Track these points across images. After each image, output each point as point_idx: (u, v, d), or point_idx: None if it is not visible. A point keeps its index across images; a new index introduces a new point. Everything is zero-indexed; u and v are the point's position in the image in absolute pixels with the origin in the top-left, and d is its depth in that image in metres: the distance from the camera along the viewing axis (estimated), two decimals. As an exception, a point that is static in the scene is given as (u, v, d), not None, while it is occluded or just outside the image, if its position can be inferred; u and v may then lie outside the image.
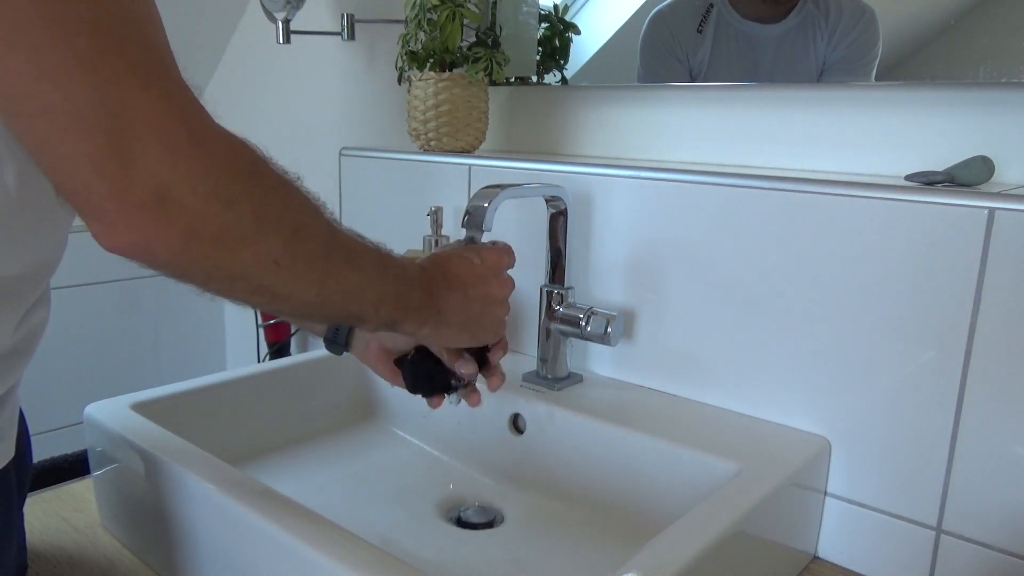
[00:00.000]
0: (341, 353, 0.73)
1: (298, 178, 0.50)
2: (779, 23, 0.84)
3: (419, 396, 0.72)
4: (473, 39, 1.01)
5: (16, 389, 0.57)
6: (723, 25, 0.87)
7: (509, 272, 0.68)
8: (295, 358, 0.95)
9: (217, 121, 0.44)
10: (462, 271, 0.64)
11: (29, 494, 0.65)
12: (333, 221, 0.53)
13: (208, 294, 0.47)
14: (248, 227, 0.44)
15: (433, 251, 0.69)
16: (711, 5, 0.87)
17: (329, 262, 0.50)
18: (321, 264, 0.50)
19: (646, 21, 0.93)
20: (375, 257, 0.56)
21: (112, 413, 0.73)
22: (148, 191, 0.39)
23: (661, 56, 0.92)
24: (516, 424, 0.83)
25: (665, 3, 0.92)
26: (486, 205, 0.71)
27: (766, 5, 0.85)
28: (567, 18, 1.02)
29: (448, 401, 0.72)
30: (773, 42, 0.85)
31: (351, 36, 1.17)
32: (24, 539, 0.66)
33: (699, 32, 0.88)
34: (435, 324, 0.61)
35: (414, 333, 0.62)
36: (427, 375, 0.70)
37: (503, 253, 0.68)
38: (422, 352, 0.69)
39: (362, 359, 0.72)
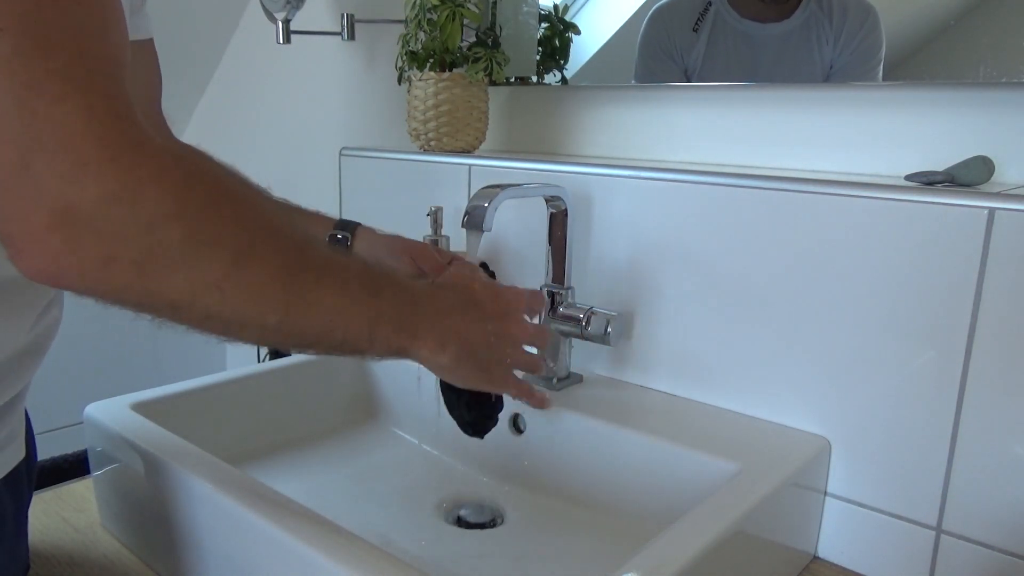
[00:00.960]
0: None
1: (265, 190, 0.47)
2: (780, 23, 0.83)
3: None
4: (473, 39, 1.01)
5: (27, 389, 0.57)
6: (720, 24, 0.87)
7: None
8: (295, 358, 0.95)
9: (178, 134, 0.41)
10: (487, 299, 0.61)
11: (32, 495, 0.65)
12: (304, 238, 0.47)
13: (148, 318, 0.44)
14: (175, 250, 0.39)
15: (459, 267, 0.67)
16: (709, 3, 0.87)
17: (293, 283, 0.45)
18: (281, 287, 0.45)
19: (645, 19, 0.93)
20: (360, 275, 0.51)
21: (112, 413, 0.73)
22: (54, 211, 0.36)
23: (655, 57, 0.92)
24: (516, 424, 0.83)
25: (664, 1, 0.92)
26: (486, 205, 0.71)
27: (766, 5, 0.85)
28: (567, 18, 1.02)
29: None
30: (774, 42, 0.84)
31: (351, 36, 1.17)
32: (28, 539, 0.66)
33: (694, 31, 0.88)
34: (436, 349, 0.55)
35: (429, 361, 0.55)
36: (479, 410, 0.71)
37: (528, 297, 0.65)
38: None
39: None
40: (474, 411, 0.71)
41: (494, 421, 0.72)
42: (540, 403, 0.70)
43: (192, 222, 0.40)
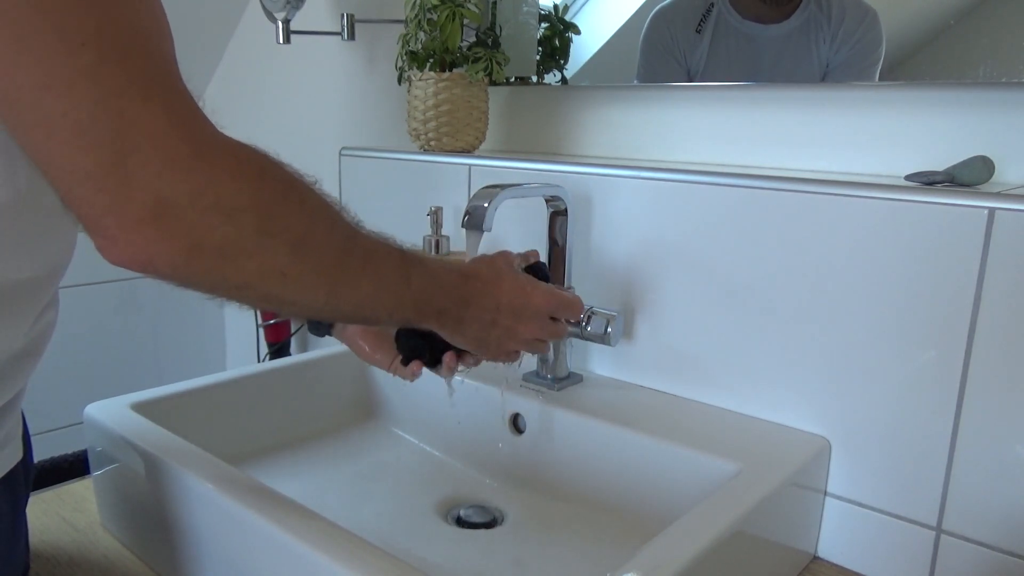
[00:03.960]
0: (323, 335, 0.73)
1: (315, 182, 0.50)
2: (780, 24, 0.84)
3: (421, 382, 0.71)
4: (473, 39, 1.01)
5: (25, 390, 0.58)
6: (722, 25, 0.87)
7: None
8: (295, 358, 0.95)
9: (220, 128, 0.44)
10: (506, 296, 0.64)
11: (30, 494, 0.65)
12: (352, 226, 0.52)
13: (216, 299, 0.47)
14: (251, 238, 0.43)
15: (494, 257, 0.68)
16: (711, 5, 0.87)
17: (340, 271, 0.50)
18: (331, 273, 0.49)
19: (647, 20, 0.93)
20: (398, 263, 0.55)
21: (112, 413, 0.73)
22: (147, 206, 0.39)
23: (660, 55, 0.92)
24: (516, 424, 0.83)
25: (666, 2, 0.92)
26: (486, 205, 0.71)
27: (767, 6, 0.85)
28: (567, 18, 1.02)
29: (448, 388, 0.72)
30: (774, 43, 0.85)
31: (351, 36, 1.17)
32: (28, 538, 0.66)
33: (697, 32, 0.88)
34: (451, 329, 0.61)
35: (425, 328, 0.62)
36: (419, 342, 0.69)
37: (564, 304, 0.67)
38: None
39: (339, 336, 0.72)
40: (413, 340, 0.70)
41: (431, 351, 0.71)
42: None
43: (265, 212, 0.44)
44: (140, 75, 0.39)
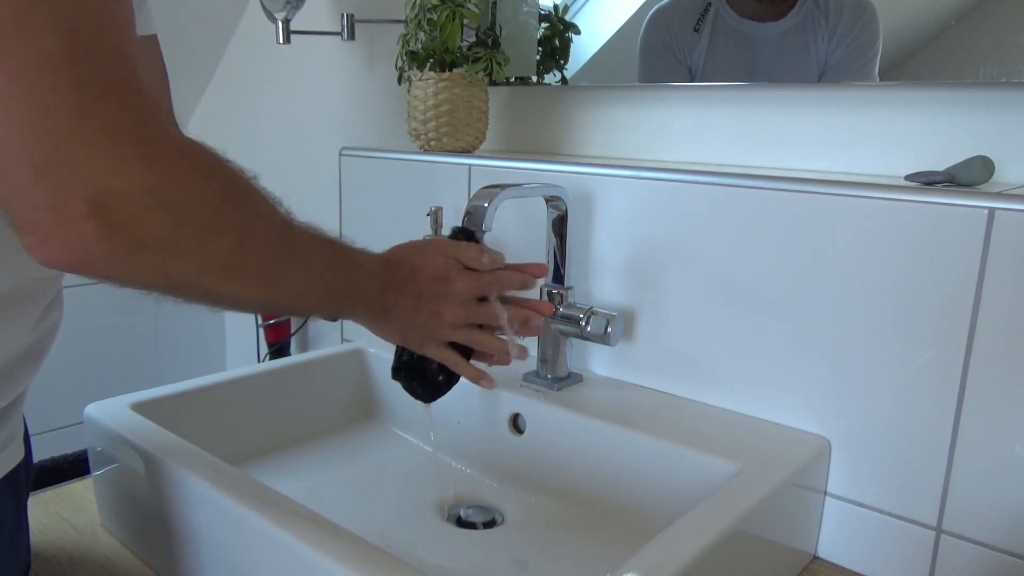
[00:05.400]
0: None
1: (254, 177, 0.50)
2: (777, 22, 0.84)
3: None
4: (473, 39, 1.01)
5: (27, 392, 0.58)
6: (720, 24, 0.87)
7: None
8: (295, 358, 0.95)
9: (183, 127, 0.44)
10: (427, 279, 0.64)
11: (30, 494, 0.66)
12: (288, 221, 0.52)
13: (152, 296, 0.46)
14: (194, 235, 0.43)
15: (426, 243, 0.69)
16: (709, 3, 0.87)
17: (277, 263, 0.50)
18: (269, 267, 0.50)
19: (645, 19, 0.93)
20: (328, 255, 0.56)
21: (112, 413, 0.73)
22: (89, 200, 0.38)
23: (659, 54, 0.92)
24: (516, 424, 0.83)
25: (664, 1, 0.92)
26: (486, 205, 0.71)
27: (763, 4, 0.85)
28: (567, 18, 1.02)
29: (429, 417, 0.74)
30: (771, 41, 0.85)
31: (351, 36, 1.17)
32: (29, 538, 0.66)
33: (696, 31, 0.88)
34: (375, 319, 0.62)
35: (365, 326, 0.63)
36: (421, 377, 0.71)
37: (489, 283, 0.67)
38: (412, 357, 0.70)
39: None
40: (416, 379, 0.72)
41: (438, 389, 0.73)
42: (470, 375, 0.72)
43: (209, 210, 0.44)
44: (99, 70, 0.39)
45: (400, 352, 0.72)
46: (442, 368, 0.71)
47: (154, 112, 0.41)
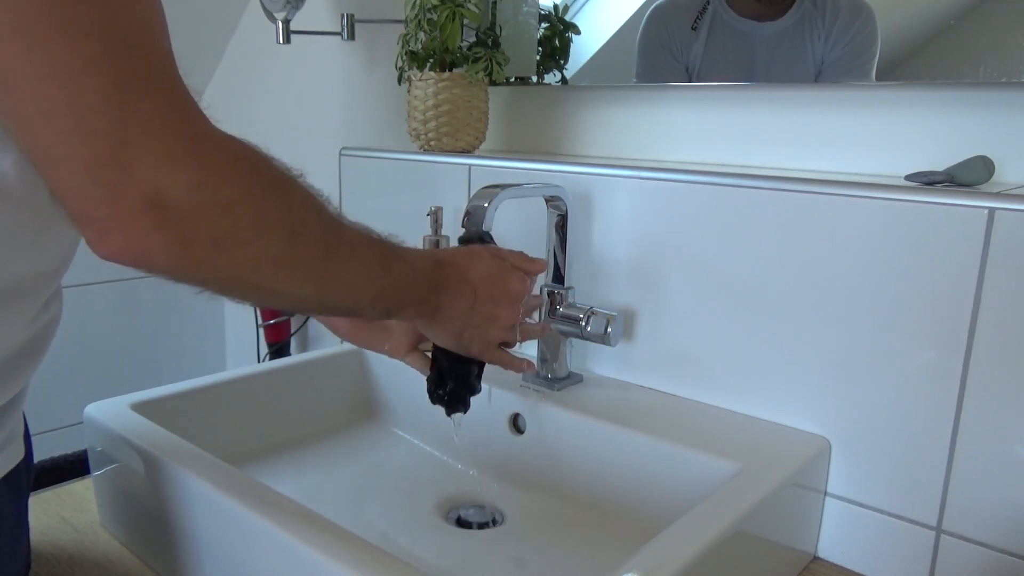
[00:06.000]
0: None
1: (301, 175, 0.50)
2: (775, 21, 0.84)
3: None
4: (473, 39, 1.01)
5: (27, 390, 0.58)
6: (718, 23, 0.87)
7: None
8: (295, 358, 0.95)
9: (217, 124, 0.44)
10: (481, 282, 0.64)
11: (30, 494, 0.66)
12: (337, 217, 0.53)
13: (206, 293, 0.47)
14: (246, 230, 0.44)
15: (468, 247, 0.69)
16: (707, 2, 0.87)
17: (329, 261, 0.51)
18: (320, 263, 0.50)
19: (644, 18, 0.93)
20: (379, 252, 0.56)
21: (112, 413, 0.73)
22: (144, 197, 0.39)
23: (657, 53, 0.93)
24: (516, 424, 0.83)
25: (662, 0, 0.92)
26: (486, 205, 0.71)
27: (762, 3, 0.85)
28: (567, 18, 1.02)
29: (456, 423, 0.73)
30: (769, 40, 0.85)
31: (351, 36, 1.17)
32: (29, 538, 0.66)
33: (693, 30, 0.88)
34: (429, 320, 0.62)
35: (406, 320, 0.63)
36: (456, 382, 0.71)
37: (532, 285, 0.68)
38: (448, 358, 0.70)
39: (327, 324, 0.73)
40: (464, 388, 0.71)
41: (463, 402, 0.72)
42: (519, 368, 0.72)
43: (259, 205, 0.45)
44: (142, 69, 0.39)
45: (440, 370, 0.70)
46: (480, 370, 0.71)
47: (198, 110, 0.43)
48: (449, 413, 0.72)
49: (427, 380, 0.71)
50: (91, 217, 0.40)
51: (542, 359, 0.85)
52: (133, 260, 0.41)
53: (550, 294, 0.83)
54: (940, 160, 0.72)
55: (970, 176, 0.67)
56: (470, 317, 0.64)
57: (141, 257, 0.41)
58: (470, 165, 0.97)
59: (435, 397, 0.71)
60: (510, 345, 0.70)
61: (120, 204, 0.39)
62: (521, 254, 0.70)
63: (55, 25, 0.37)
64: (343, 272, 0.52)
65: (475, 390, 0.72)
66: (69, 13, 0.37)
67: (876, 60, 0.77)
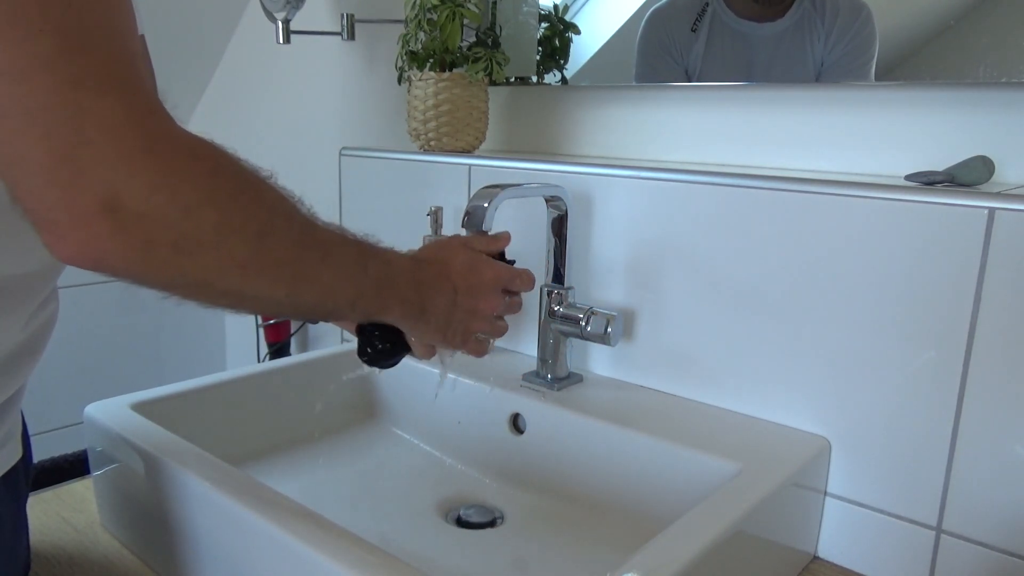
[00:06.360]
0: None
1: (271, 176, 0.49)
2: (774, 22, 0.84)
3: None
4: (473, 39, 1.01)
5: (24, 389, 0.58)
6: (718, 24, 0.87)
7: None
8: (295, 358, 0.95)
9: (215, 127, 0.44)
10: (461, 275, 0.63)
11: (29, 494, 0.66)
12: (310, 219, 0.51)
13: (173, 298, 0.46)
14: (208, 233, 0.43)
15: (448, 240, 0.68)
16: (706, 4, 0.87)
17: (300, 263, 0.49)
18: (291, 265, 0.49)
19: (643, 20, 0.93)
20: (355, 254, 0.55)
21: (112, 413, 0.73)
22: (100, 200, 0.38)
23: (657, 55, 0.93)
24: (516, 424, 0.83)
25: (662, 1, 0.92)
26: (486, 205, 0.71)
27: (761, 4, 0.85)
28: (567, 18, 1.02)
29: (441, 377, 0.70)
30: (768, 41, 0.85)
31: (351, 36, 1.17)
32: (28, 538, 0.66)
33: (693, 31, 0.88)
34: (415, 320, 0.61)
35: (397, 323, 0.61)
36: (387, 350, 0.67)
37: (515, 276, 0.67)
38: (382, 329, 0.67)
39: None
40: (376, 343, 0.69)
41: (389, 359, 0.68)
42: (486, 352, 0.70)
43: (222, 207, 0.43)
44: (98, 68, 0.38)
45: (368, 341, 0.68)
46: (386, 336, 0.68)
47: (158, 110, 0.41)
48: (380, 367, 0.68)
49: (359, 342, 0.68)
50: (47, 219, 0.39)
51: (542, 359, 0.85)
52: (91, 264, 0.40)
53: (550, 294, 0.83)
54: (940, 160, 0.72)
55: (970, 176, 0.67)
56: (451, 312, 0.63)
57: (99, 261, 0.40)
58: (470, 165, 0.97)
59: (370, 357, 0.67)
60: (495, 335, 0.69)
61: (76, 207, 0.38)
62: (484, 236, 0.69)
63: (5, 23, 0.36)
64: (317, 274, 0.51)
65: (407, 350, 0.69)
66: (20, 10, 0.36)
67: (875, 60, 0.77)
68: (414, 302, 0.60)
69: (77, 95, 0.37)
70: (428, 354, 0.66)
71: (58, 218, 0.39)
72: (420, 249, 0.67)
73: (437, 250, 0.66)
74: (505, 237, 0.71)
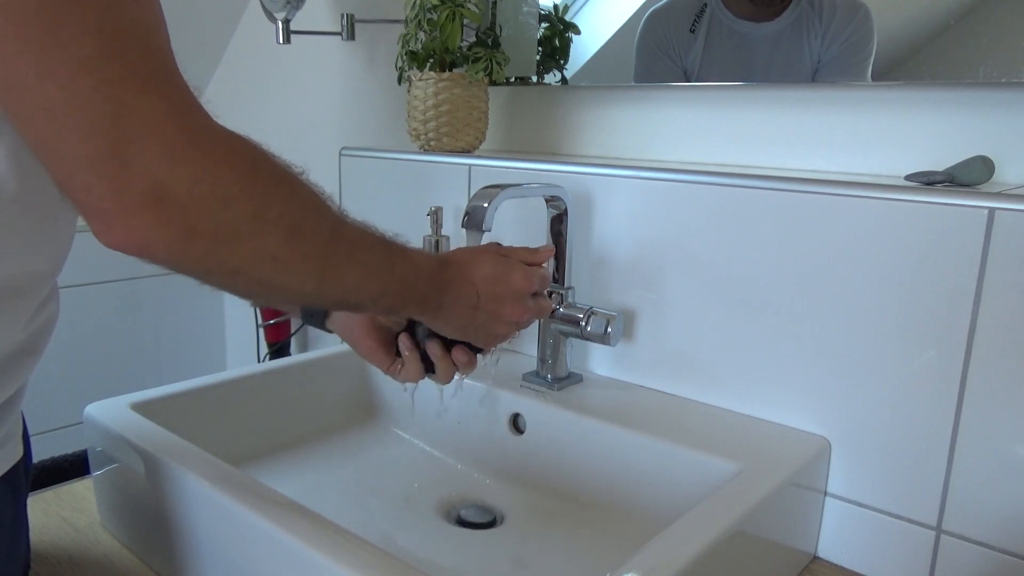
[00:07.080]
0: (322, 326, 0.72)
1: (303, 172, 0.51)
2: (772, 22, 0.84)
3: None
4: (473, 39, 1.01)
5: (25, 388, 0.58)
6: (716, 24, 0.87)
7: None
8: (295, 358, 0.95)
9: (217, 121, 0.45)
10: (484, 282, 0.64)
11: (29, 494, 0.66)
12: (340, 215, 0.53)
13: (208, 286, 0.48)
14: (246, 224, 0.44)
15: (484, 246, 0.69)
16: (705, 4, 0.87)
17: (329, 257, 0.51)
18: (320, 259, 0.50)
19: (642, 20, 0.93)
20: (382, 252, 0.57)
21: (112, 413, 0.73)
22: (145, 191, 0.40)
23: (655, 56, 0.93)
24: (516, 424, 0.83)
25: (661, 2, 0.92)
26: (486, 205, 0.71)
27: (758, 4, 0.85)
28: (567, 18, 1.02)
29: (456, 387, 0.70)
30: (766, 41, 0.85)
31: (351, 36, 1.17)
32: (28, 538, 0.66)
33: (691, 32, 0.88)
34: (432, 316, 0.62)
35: (410, 316, 0.63)
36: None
37: (536, 280, 0.68)
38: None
39: (337, 329, 0.72)
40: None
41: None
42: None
43: (259, 199, 0.45)
44: (138, 66, 0.40)
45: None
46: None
47: (198, 105, 0.43)
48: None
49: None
50: (96, 210, 0.41)
51: (542, 359, 0.85)
52: (136, 251, 0.42)
53: (550, 294, 0.83)
54: (940, 160, 0.72)
55: (970, 176, 0.67)
56: (474, 316, 0.64)
57: (143, 249, 0.42)
58: (470, 165, 0.97)
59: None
60: (524, 326, 0.70)
61: (122, 198, 0.40)
62: (525, 249, 0.71)
63: (47, 26, 0.38)
64: (345, 270, 0.53)
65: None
66: (62, 13, 0.38)
67: (872, 59, 0.77)
68: (432, 300, 0.61)
69: (119, 93, 0.39)
70: (449, 377, 0.67)
71: (106, 209, 0.41)
72: (450, 252, 0.68)
73: (465, 253, 0.67)
74: (545, 252, 0.72)
